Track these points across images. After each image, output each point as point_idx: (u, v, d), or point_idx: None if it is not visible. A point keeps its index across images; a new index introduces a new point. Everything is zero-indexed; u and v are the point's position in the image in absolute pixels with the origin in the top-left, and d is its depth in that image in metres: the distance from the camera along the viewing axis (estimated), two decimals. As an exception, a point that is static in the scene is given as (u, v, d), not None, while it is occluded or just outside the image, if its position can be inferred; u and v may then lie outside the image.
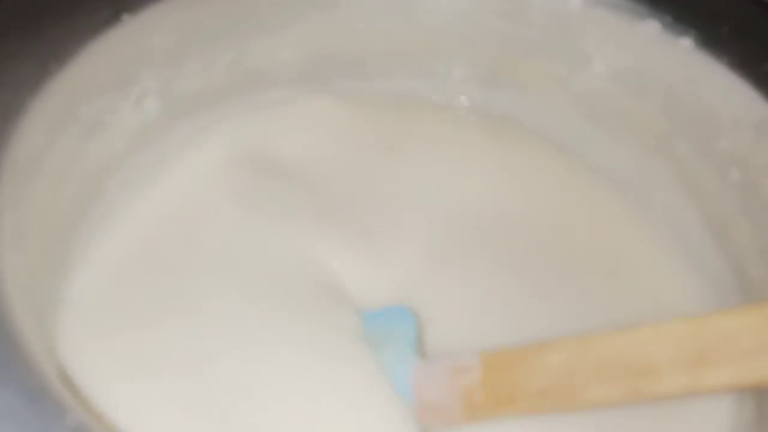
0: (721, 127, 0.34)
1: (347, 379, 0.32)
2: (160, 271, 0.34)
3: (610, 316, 0.34)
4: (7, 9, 0.31)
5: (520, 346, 0.30)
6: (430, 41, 0.39)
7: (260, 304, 0.33)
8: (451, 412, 0.31)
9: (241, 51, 0.37)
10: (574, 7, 0.35)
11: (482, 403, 0.30)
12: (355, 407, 0.31)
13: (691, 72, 0.34)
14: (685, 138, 0.35)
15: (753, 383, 0.27)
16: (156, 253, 0.34)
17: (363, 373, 0.32)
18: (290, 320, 0.33)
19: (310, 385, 0.31)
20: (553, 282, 0.36)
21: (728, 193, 0.34)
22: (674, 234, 0.37)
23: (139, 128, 0.35)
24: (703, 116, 0.34)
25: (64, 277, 0.33)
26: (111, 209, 0.35)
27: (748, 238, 0.34)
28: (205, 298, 0.33)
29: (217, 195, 0.36)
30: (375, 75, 0.40)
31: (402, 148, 0.39)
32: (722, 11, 0.34)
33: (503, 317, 0.34)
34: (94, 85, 0.32)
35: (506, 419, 0.31)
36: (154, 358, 0.31)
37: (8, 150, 0.28)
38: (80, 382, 0.30)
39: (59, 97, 0.31)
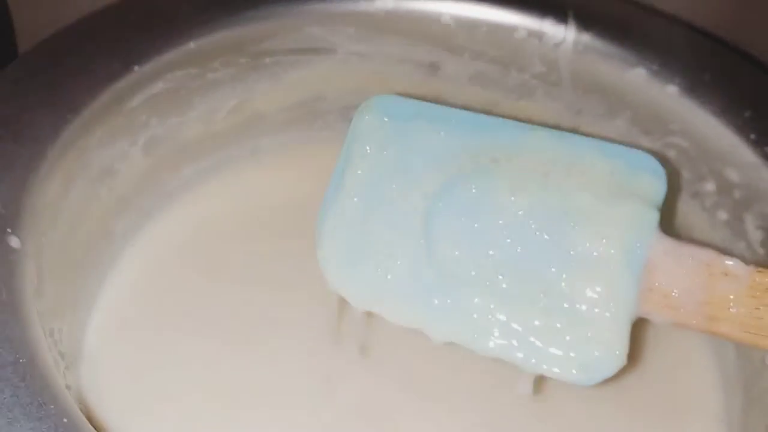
0: (707, 169, 0.35)
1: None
2: (170, 310, 0.35)
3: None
4: (25, 64, 0.32)
5: None
6: (425, 84, 0.40)
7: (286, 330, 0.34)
8: (687, 312, 0.26)
9: (242, 97, 0.38)
10: (566, 55, 0.37)
11: (740, 321, 0.25)
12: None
13: (677, 117, 0.35)
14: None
15: None
16: (163, 291, 0.35)
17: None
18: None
19: None
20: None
21: (716, 233, 0.35)
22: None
23: (146, 172, 0.37)
24: (690, 159, 0.36)
25: (82, 321, 0.34)
26: (120, 252, 0.36)
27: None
28: (224, 331, 0.34)
29: (226, 233, 0.38)
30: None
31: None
32: (706, 60, 0.35)
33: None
34: (107, 133, 0.34)
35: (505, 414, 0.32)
36: (173, 397, 0.32)
37: (30, 199, 0.29)
38: (104, 424, 0.31)
39: (75, 146, 0.32)
